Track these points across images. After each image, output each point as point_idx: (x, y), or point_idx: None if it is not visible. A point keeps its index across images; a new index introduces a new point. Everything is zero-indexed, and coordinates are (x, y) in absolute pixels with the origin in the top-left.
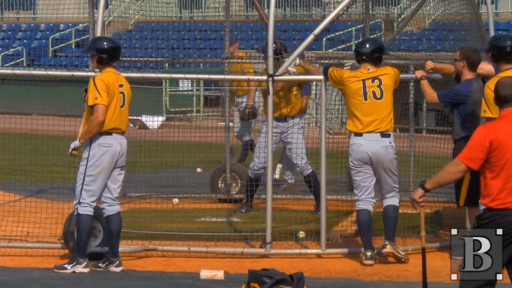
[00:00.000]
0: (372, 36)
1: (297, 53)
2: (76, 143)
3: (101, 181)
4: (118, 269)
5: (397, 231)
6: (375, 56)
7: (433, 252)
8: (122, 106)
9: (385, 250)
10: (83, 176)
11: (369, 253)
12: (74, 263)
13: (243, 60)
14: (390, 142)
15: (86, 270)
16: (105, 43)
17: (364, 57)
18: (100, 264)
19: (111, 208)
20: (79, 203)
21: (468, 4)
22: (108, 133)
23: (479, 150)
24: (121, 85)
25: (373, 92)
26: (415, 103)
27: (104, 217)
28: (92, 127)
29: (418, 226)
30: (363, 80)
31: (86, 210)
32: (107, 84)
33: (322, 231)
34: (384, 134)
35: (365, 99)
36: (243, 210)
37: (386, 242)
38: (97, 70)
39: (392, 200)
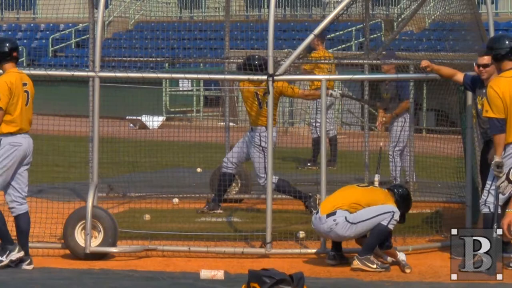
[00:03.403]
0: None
1: (297, 53)
2: None
3: (7, 177)
4: (30, 267)
5: (397, 231)
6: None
7: (433, 252)
8: (26, 105)
9: (352, 266)
10: None
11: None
12: (7, 252)
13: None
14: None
15: (21, 254)
16: None
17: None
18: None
19: (21, 207)
20: None
21: (468, 4)
22: (18, 132)
23: None
24: (24, 84)
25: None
26: (415, 103)
27: (104, 217)
28: None
29: (418, 226)
30: None
31: None
32: (10, 86)
33: None
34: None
35: None
36: (207, 208)
37: (354, 257)
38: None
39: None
